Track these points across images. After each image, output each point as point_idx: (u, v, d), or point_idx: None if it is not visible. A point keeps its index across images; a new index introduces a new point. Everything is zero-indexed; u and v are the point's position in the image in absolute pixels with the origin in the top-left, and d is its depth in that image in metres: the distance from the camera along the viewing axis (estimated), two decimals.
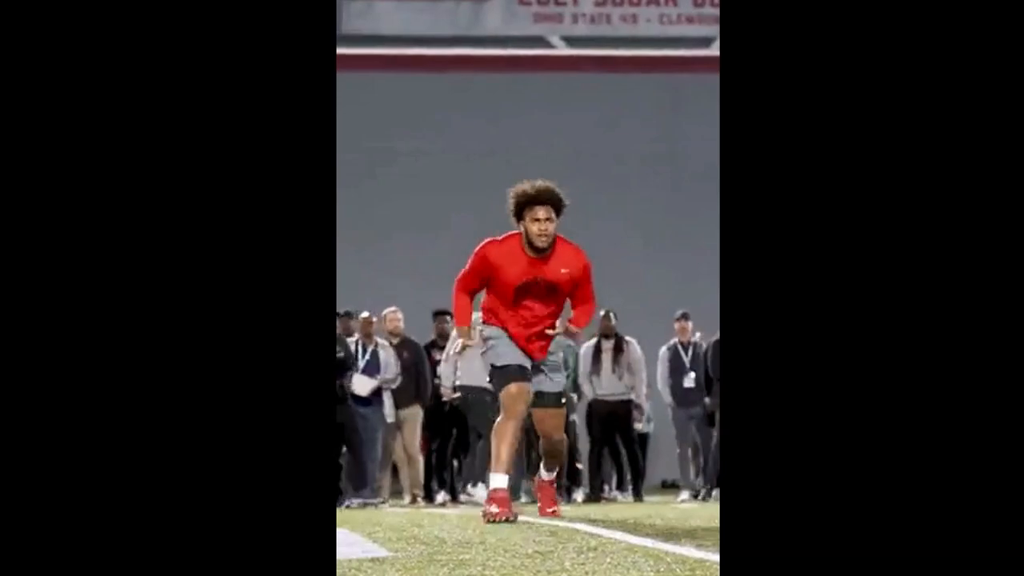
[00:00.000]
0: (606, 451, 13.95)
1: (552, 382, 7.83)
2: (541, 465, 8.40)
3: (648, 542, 5.23)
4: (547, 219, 7.42)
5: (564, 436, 8.35)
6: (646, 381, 13.97)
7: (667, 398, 14.26)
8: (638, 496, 13.48)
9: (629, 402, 13.69)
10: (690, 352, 14.21)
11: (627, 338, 13.73)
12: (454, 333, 11.80)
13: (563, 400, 8.02)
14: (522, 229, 7.49)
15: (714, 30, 19.79)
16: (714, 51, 19.79)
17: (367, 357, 12.92)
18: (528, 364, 7.65)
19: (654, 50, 20.00)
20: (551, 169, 20.43)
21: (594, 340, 13.58)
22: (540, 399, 7.81)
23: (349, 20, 19.83)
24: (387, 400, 13.32)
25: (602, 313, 13.64)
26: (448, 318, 12.74)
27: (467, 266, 7.65)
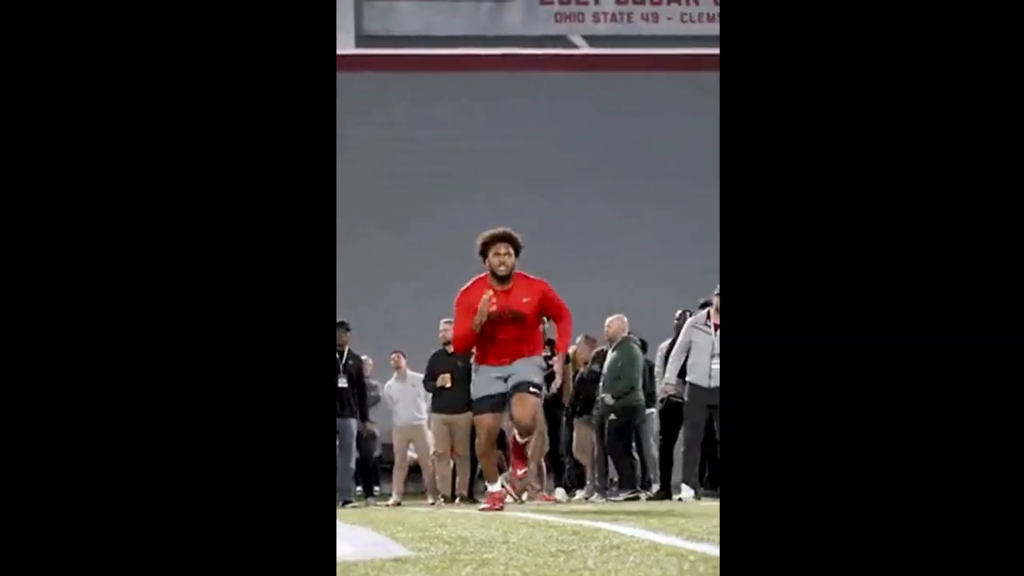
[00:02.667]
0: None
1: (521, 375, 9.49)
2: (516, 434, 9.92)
3: (673, 540, 5.21)
4: (506, 253, 9.36)
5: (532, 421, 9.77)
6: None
7: None
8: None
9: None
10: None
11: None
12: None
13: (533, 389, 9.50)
14: (487, 264, 9.37)
15: None
16: None
17: None
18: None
19: (675, 48, 19.99)
20: (572, 167, 20.12)
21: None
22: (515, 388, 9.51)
23: (369, 21, 19.85)
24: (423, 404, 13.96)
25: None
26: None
27: (455, 316, 9.52)
